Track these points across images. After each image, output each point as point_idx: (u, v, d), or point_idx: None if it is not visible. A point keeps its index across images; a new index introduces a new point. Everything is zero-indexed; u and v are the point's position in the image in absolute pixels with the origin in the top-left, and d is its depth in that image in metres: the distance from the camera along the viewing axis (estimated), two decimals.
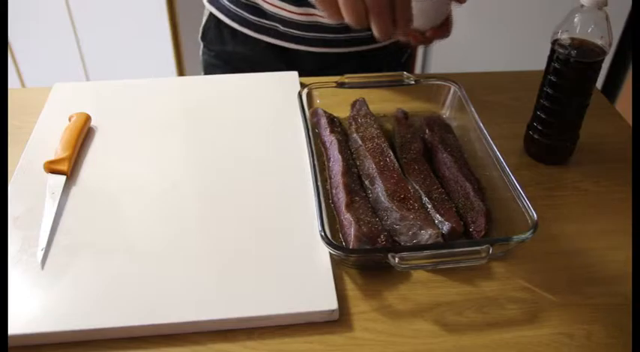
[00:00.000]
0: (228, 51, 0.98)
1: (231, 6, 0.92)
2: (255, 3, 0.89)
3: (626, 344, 0.54)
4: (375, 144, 0.70)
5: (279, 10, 0.88)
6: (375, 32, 0.58)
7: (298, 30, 0.90)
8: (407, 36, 0.61)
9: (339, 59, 0.94)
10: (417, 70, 1.98)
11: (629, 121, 0.80)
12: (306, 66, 0.91)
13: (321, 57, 0.93)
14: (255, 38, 0.93)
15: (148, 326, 0.53)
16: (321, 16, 0.87)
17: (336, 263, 0.59)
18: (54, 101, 0.80)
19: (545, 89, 0.70)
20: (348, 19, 0.57)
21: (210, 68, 1.03)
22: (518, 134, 0.77)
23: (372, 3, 0.55)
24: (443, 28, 0.69)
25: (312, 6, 0.86)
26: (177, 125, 0.77)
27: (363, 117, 0.76)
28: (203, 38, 1.02)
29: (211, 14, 0.97)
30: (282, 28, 0.90)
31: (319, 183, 0.62)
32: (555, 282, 0.59)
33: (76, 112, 0.75)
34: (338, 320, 0.55)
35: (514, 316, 0.56)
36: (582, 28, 0.65)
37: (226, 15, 0.93)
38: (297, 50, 0.92)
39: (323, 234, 0.56)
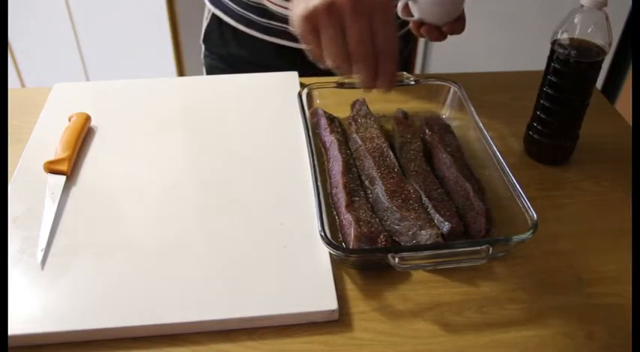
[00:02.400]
0: (232, 53, 0.97)
1: (238, 8, 0.91)
2: (262, 5, 0.89)
3: (626, 344, 0.54)
4: (375, 145, 0.70)
5: (287, 11, 0.87)
6: (358, 80, 0.55)
7: None
8: (390, 88, 0.57)
9: None
10: (417, 70, 1.97)
11: (629, 121, 0.80)
12: (315, 66, 0.91)
13: None
14: (262, 40, 0.92)
15: (148, 326, 0.53)
16: None
17: (336, 263, 0.59)
18: (54, 101, 0.80)
19: (545, 89, 0.70)
20: (329, 62, 0.54)
21: (213, 71, 1.02)
22: (518, 134, 0.77)
23: (356, 49, 0.52)
24: (458, 22, 0.69)
25: None
26: (177, 125, 0.77)
27: (363, 117, 0.76)
28: (205, 41, 1.01)
29: (214, 16, 0.96)
30: (291, 29, 0.89)
31: (319, 183, 0.62)
32: (555, 282, 0.59)
33: (76, 112, 0.75)
34: (338, 320, 0.55)
35: (514, 316, 0.56)
36: (582, 28, 0.65)
37: (232, 17, 0.93)
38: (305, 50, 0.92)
39: (323, 234, 0.56)
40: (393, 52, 0.54)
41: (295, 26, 0.54)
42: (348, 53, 0.53)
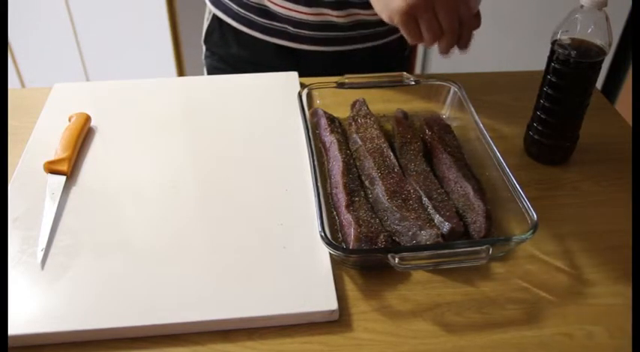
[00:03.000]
0: (232, 54, 0.97)
1: (239, 9, 0.91)
2: (264, 5, 0.89)
3: (626, 345, 0.54)
4: (375, 145, 0.70)
5: (289, 11, 0.87)
6: (442, 48, 0.66)
7: (309, 30, 0.90)
8: (468, 48, 0.68)
9: (347, 56, 0.94)
10: (417, 70, 1.97)
11: (629, 121, 0.80)
12: (315, 66, 0.91)
13: (330, 56, 0.93)
14: (263, 40, 0.93)
15: (148, 326, 0.53)
16: (332, 15, 0.87)
17: (336, 263, 0.59)
18: (54, 101, 0.80)
19: (545, 89, 0.70)
20: (427, 39, 0.65)
21: (214, 72, 1.02)
22: (518, 134, 0.77)
23: (449, 24, 0.63)
24: (475, 18, 0.70)
25: (324, 6, 0.86)
26: (177, 125, 0.77)
27: (363, 117, 0.75)
28: (206, 41, 1.01)
29: (214, 17, 0.96)
30: (292, 29, 0.90)
31: (319, 184, 0.62)
32: (555, 282, 0.59)
33: (76, 112, 0.75)
34: (338, 320, 0.55)
35: (514, 316, 0.56)
36: (582, 28, 0.65)
37: (233, 18, 0.93)
38: (306, 51, 0.92)
39: (323, 234, 0.56)
40: (472, 21, 0.66)
41: (394, 20, 0.64)
42: (442, 29, 0.64)
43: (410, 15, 0.63)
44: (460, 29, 0.65)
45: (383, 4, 0.65)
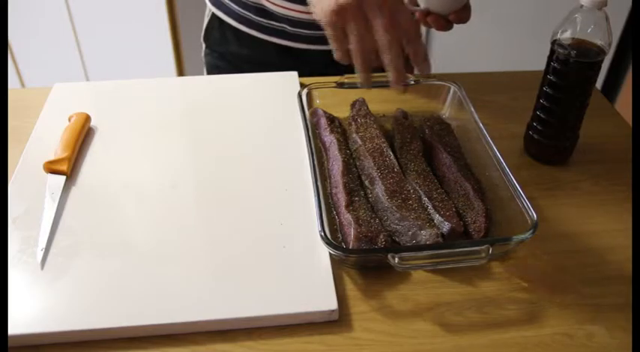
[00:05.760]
0: (232, 52, 0.97)
1: (238, 8, 0.91)
2: (262, 4, 0.89)
3: (626, 345, 0.54)
4: (374, 145, 0.70)
5: (287, 11, 0.87)
6: (393, 77, 0.57)
7: (307, 29, 0.90)
8: (428, 68, 0.60)
9: None
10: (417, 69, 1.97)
11: (629, 121, 0.80)
12: (313, 64, 0.91)
13: (328, 54, 0.93)
14: (262, 39, 0.93)
15: (148, 326, 0.53)
16: None
17: (336, 263, 0.59)
18: (54, 101, 0.80)
19: (544, 89, 0.70)
20: (354, 52, 0.55)
21: (213, 70, 1.02)
22: (518, 134, 0.77)
23: (385, 37, 0.54)
24: (464, 11, 0.68)
25: None
26: (176, 125, 0.77)
27: (363, 117, 0.75)
28: (206, 39, 1.01)
29: (214, 16, 0.96)
30: (290, 28, 0.90)
31: (319, 183, 0.62)
32: (555, 282, 0.59)
33: (75, 112, 0.75)
34: (338, 321, 0.55)
35: (514, 316, 0.56)
36: (582, 28, 0.65)
37: (232, 17, 0.93)
38: (306, 49, 0.92)
39: (323, 234, 0.56)
40: (419, 33, 0.56)
41: (322, 20, 0.56)
42: (375, 45, 0.55)
43: (338, 16, 0.55)
44: (406, 45, 0.56)
45: (317, 4, 0.58)
